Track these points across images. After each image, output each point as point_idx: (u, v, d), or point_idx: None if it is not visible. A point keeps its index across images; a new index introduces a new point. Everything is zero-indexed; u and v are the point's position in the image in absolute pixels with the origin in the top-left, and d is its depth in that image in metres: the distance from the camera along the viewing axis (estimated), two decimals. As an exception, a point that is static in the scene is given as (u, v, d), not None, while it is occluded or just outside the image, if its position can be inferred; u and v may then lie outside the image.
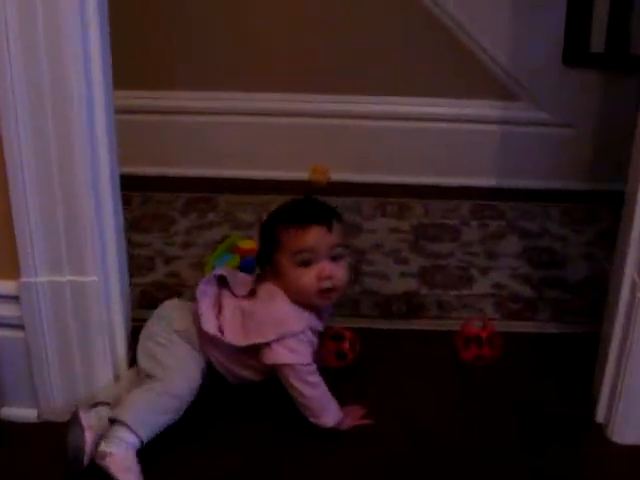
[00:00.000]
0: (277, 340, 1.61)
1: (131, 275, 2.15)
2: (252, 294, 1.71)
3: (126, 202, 2.53)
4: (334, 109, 2.67)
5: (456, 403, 1.82)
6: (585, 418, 1.77)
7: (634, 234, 1.57)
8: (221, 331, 1.67)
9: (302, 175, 2.66)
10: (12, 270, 1.63)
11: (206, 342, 1.68)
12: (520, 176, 2.69)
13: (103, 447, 1.54)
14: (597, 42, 2.52)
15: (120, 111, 2.68)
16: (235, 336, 1.65)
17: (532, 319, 2.07)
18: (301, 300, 1.65)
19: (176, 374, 1.64)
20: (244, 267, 2.05)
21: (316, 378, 1.64)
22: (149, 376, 1.64)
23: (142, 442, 1.57)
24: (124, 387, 1.68)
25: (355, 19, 2.58)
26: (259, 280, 1.74)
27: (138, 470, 1.54)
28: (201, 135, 2.75)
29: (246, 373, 1.71)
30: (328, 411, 1.65)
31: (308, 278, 1.62)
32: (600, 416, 1.74)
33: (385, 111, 2.68)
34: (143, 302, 2.12)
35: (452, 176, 2.70)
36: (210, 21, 2.61)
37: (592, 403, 1.77)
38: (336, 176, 2.68)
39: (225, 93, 2.72)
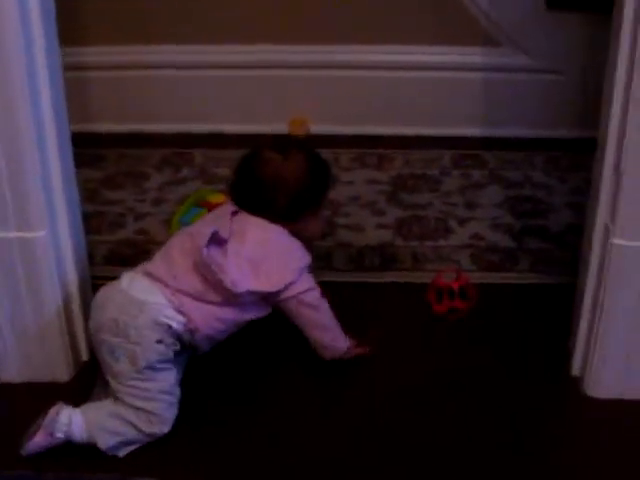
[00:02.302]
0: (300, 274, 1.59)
1: (100, 232, 2.10)
2: (236, 235, 1.60)
3: (100, 159, 2.51)
4: (312, 59, 2.60)
5: (430, 356, 1.77)
6: (561, 371, 1.70)
7: (605, 179, 1.50)
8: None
9: (281, 128, 2.57)
10: (-42, 228, 1.55)
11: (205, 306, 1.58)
12: (505, 125, 2.62)
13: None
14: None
15: (94, 67, 2.65)
16: (259, 283, 1.57)
17: (511, 270, 1.99)
18: (302, 241, 1.65)
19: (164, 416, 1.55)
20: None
21: (325, 301, 1.62)
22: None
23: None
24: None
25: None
26: (235, 217, 1.63)
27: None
28: (178, 90, 2.68)
29: (250, 316, 1.62)
30: (340, 334, 1.65)
31: (320, 225, 1.73)
32: (576, 369, 1.68)
33: (365, 60, 2.61)
34: (111, 260, 2.05)
35: (435, 126, 2.63)
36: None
37: (568, 356, 1.70)
38: (315, 128, 2.61)
39: (201, 46, 2.64)
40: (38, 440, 1.50)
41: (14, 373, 1.68)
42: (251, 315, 1.61)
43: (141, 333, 1.50)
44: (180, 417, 1.57)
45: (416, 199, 2.30)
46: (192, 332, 1.55)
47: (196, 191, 2.28)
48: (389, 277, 1.99)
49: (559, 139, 2.57)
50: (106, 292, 1.58)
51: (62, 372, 1.69)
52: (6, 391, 1.69)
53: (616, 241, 1.50)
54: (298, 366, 1.74)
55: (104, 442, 1.51)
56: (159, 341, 1.51)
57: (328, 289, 1.69)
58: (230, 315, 1.58)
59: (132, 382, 1.51)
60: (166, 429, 1.54)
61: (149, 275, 1.56)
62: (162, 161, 2.52)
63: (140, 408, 1.52)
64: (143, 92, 2.67)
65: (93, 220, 2.21)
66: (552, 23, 2.51)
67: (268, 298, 1.60)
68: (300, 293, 1.59)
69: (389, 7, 2.52)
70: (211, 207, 2.11)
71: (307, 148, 1.71)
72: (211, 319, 1.56)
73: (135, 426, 1.52)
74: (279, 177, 1.62)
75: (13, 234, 1.56)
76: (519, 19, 2.53)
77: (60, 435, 1.50)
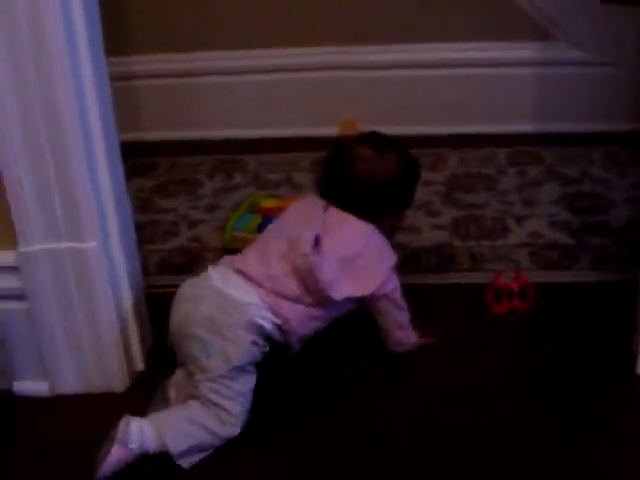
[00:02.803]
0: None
1: (153, 241, 2.10)
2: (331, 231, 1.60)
3: (152, 168, 2.51)
4: (361, 60, 2.58)
5: (489, 356, 1.73)
6: (625, 370, 1.65)
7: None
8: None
9: (330, 131, 2.55)
10: (10, 240, 1.56)
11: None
12: (560, 119, 2.57)
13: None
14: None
15: (143, 76, 2.66)
16: (355, 288, 1.59)
17: (570, 268, 1.95)
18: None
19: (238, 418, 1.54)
20: (263, 227, 1.97)
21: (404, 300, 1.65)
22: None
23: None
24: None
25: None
26: (327, 212, 1.64)
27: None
28: (226, 95, 2.67)
29: (342, 311, 1.64)
30: (412, 330, 1.69)
31: (402, 225, 1.77)
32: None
33: (416, 59, 2.58)
34: (164, 268, 2.05)
35: (489, 123, 2.59)
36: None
37: (633, 354, 1.64)
38: (366, 129, 2.57)
39: (249, 51, 2.63)
40: (115, 456, 1.46)
41: (70, 384, 1.68)
42: (343, 310, 1.62)
43: (236, 333, 1.51)
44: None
45: (472, 199, 2.26)
46: (286, 333, 1.56)
47: (249, 197, 2.26)
48: (447, 278, 1.96)
49: (615, 133, 2.51)
50: (196, 287, 1.58)
51: (117, 382, 1.69)
52: (62, 403, 1.68)
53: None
54: (358, 360, 1.74)
55: (176, 447, 1.48)
56: (253, 342, 1.52)
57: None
58: (323, 313, 1.59)
59: (219, 379, 1.50)
60: (237, 432, 1.52)
61: (242, 273, 1.56)
62: (214, 168, 2.52)
63: (218, 405, 1.50)
64: (192, 99, 2.67)
65: (146, 229, 2.21)
66: (603, 15, 2.45)
67: (362, 298, 1.60)
68: (391, 292, 1.62)
69: (439, 5, 2.48)
70: (263, 212, 2.10)
71: (400, 147, 1.69)
72: (305, 319, 1.57)
73: (208, 428, 1.50)
74: (375, 174, 1.63)
75: (64, 245, 1.55)
76: (570, 12, 2.47)
77: (134, 446, 1.47)
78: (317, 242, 1.55)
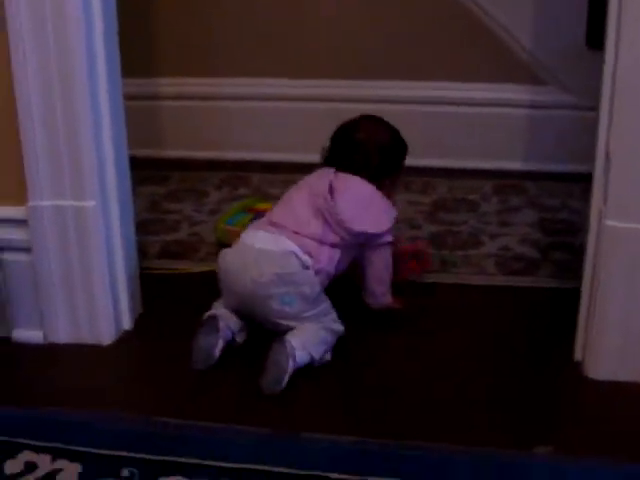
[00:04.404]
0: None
1: (157, 234, 2.30)
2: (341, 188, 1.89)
3: (166, 179, 2.72)
4: (360, 94, 2.75)
5: (441, 348, 1.89)
6: (565, 356, 1.80)
7: (598, 166, 1.62)
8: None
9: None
10: (21, 196, 1.76)
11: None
12: (547, 160, 2.73)
13: None
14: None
15: (165, 97, 2.88)
16: (369, 226, 1.87)
17: (532, 275, 2.11)
18: None
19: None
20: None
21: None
22: None
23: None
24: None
25: (383, 4, 2.68)
26: (336, 176, 1.91)
27: None
28: (240, 120, 2.87)
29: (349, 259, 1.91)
30: (390, 289, 1.94)
31: (396, 192, 2.05)
32: (578, 354, 1.77)
33: (413, 96, 2.77)
34: (162, 255, 2.24)
35: (479, 159, 2.76)
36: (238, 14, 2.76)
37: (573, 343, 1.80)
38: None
39: (263, 80, 2.85)
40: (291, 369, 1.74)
41: (61, 334, 1.86)
42: (349, 258, 1.89)
43: (301, 275, 1.78)
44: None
45: (453, 218, 2.44)
46: (318, 270, 1.81)
47: (245, 198, 2.45)
48: (418, 278, 2.12)
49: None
50: (243, 256, 1.82)
51: (104, 336, 1.87)
52: (54, 350, 1.86)
53: (607, 222, 1.61)
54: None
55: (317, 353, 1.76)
56: (315, 274, 1.80)
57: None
58: (342, 256, 1.86)
59: (308, 314, 1.79)
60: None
61: (276, 225, 1.84)
62: (221, 181, 2.72)
63: (323, 321, 1.80)
64: (210, 121, 2.88)
65: (152, 225, 2.40)
66: (593, 61, 2.63)
67: (369, 241, 1.88)
68: (389, 243, 1.90)
69: (435, 45, 2.69)
70: (257, 212, 2.28)
71: (393, 126, 1.99)
72: (329, 259, 1.84)
73: (330, 329, 1.80)
74: (374, 141, 1.94)
75: (68, 202, 1.77)
76: (561, 57, 2.66)
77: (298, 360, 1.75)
78: (331, 192, 1.85)
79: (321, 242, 1.83)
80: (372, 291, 1.92)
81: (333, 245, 1.84)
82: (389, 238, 1.89)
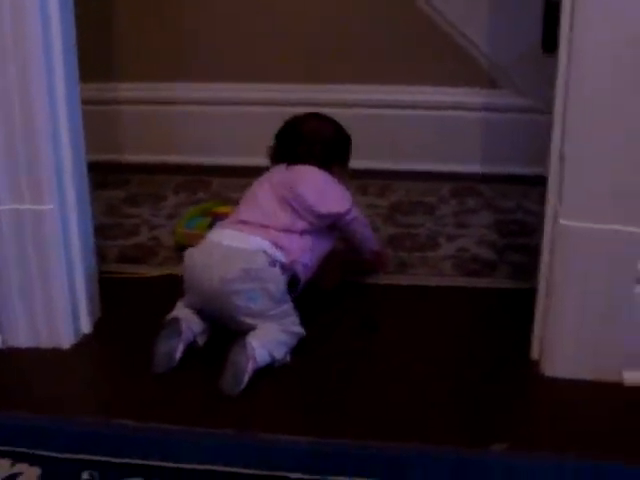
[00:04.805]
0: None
1: (116, 239, 2.30)
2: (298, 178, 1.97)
3: (125, 182, 2.71)
4: (316, 97, 2.73)
5: (399, 349, 1.91)
6: (522, 356, 1.83)
7: (553, 166, 1.65)
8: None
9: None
10: (-23, 201, 1.76)
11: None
12: (502, 162, 2.76)
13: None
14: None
15: (125, 102, 2.88)
16: (332, 207, 1.97)
17: (489, 277, 2.14)
18: None
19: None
20: (213, 225, 2.15)
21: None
22: None
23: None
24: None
25: (339, 8, 2.70)
26: (289, 169, 2.00)
27: None
28: (201, 124, 2.88)
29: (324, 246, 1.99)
30: (374, 237, 2.15)
31: (347, 178, 2.10)
32: (535, 352, 1.80)
33: (368, 99, 2.78)
34: (121, 259, 2.24)
35: (435, 162, 2.78)
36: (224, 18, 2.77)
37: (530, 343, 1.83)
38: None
39: (223, 84, 2.84)
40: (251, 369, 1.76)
41: (21, 338, 1.86)
42: (325, 245, 1.97)
43: (268, 272, 1.80)
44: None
45: (410, 220, 2.46)
46: (292, 263, 1.86)
47: (204, 202, 2.45)
48: (377, 279, 2.16)
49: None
50: (210, 253, 1.84)
51: (64, 340, 1.86)
52: (13, 355, 1.85)
53: (562, 221, 1.64)
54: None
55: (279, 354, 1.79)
56: (281, 273, 1.83)
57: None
58: (312, 243, 1.92)
59: (272, 312, 1.81)
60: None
61: (245, 223, 1.88)
62: (180, 186, 2.73)
63: (284, 323, 1.82)
64: (169, 126, 2.88)
65: (111, 230, 2.40)
66: (548, 65, 2.67)
67: (338, 222, 1.98)
68: (358, 216, 2.02)
69: (391, 48, 2.71)
70: (216, 215, 2.28)
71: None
72: (300, 249, 1.89)
73: (291, 331, 1.83)
74: (317, 132, 2.04)
75: (25, 206, 1.77)
76: (517, 62, 2.70)
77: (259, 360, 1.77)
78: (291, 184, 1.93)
79: (290, 231, 1.88)
80: (367, 248, 2.09)
81: (302, 232, 1.90)
82: (355, 213, 2.00)
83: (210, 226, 2.18)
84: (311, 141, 2.01)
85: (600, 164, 1.58)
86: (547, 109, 2.68)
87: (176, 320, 1.77)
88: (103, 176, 2.51)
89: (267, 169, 2.05)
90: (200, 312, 1.82)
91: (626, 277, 1.64)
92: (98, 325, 1.94)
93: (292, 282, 1.88)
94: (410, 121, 2.77)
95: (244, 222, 1.88)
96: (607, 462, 1.51)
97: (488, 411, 1.69)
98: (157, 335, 1.76)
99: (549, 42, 2.61)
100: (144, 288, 2.11)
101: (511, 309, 2.01)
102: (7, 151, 1.72)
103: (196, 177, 2.79)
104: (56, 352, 1.86)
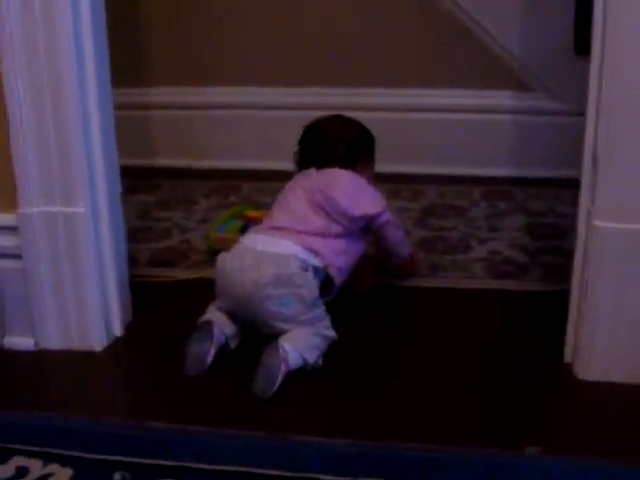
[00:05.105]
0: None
1: (147, 242, 2.31)
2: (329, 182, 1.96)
3: (156, 188, 2.72)
4: (347, 101, 2.73)
5: (432, 352, 1.90)
6: (555, 358, 1.81)
7: (586, 166, 1.64)
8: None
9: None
10: (11, 202, 1.77)
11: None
12: (534, 165, 2.75)
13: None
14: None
15: (157, 107, 2.89)
16: (366, 209, 1.96)
17: (520, 279, 2.12)
18: None
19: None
20: (246, 229, 2.15)
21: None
22: None
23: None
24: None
25: (370, 13, 2.70)
26: (319, 173, 1.98)
27: None
28: (230, 129, 2.89)
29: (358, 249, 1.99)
30: (407, 242, 2.14)
31: (373, 174, 2.08)
32: (568, 355, 1.78)
33: (399, 103, 2.79)
34: (153, 262, 2.25)
35: (467, 166, 2.78)
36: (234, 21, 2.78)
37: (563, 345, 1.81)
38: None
39: (255, 89, 2.85)
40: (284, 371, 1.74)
41: (53, 341, 1.86)
42: (358, 248, 1.97)
43: (300, 276, 1.78)
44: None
45: (442, 223, 2.45)
46: (326, 267, 1.86)
47: (235, 206, 2.46)
48: (408, 282, 2.15)
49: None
50: (243, 258, 1.82)
51: (96, 342, 1.87)
52: (46, 357, 1.86)
53: (596, 222, 1.62)
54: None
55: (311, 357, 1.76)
56: (314, 277, 1.81)
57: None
58: (346, 247, 1.92)
59: (304, 317, 1.79)
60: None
61: (278, 229, 1.87)
62: (212, 191, 2.73)
63: (316, 327, 1.80)
64: (200, 130, 2.89)
65: (142, 233, 2.42)
66: (580, 68, 2.65)
67: (372, 224, 1.97)
68: (391, 218, 2.00)
69: (423, 52, 2.72)
70: (247, 219, 2.29)
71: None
72: (335, 253, 1.88)
73: (323, 335, 1.80)
74: (340, 133, 2.02)
75: (58, 208, 1.78)
76: (549, 65, 2.69)
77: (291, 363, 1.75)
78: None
79: (324, 235, 1.87)
80: (398, 253, 2.08)
81: (337, 236, 1.89)
82: (388, 216, 1.98)
83: (241, 230, 2.18)
84: (334, 142, 2.00)
85: (633, 164, 1.56)
86: (579, 111, 2.70)
87: (208, 323, 1.77)
88: (134, 181, 2.52)
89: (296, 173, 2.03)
90: (232, 315, 1.81)
91: (661, 278, 1.62)
92: (130, 328, 1.93)
93: (326, 285, 1.85)
94: (441, 124, 2.77)
95: (277, 228, 1.88)
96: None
97: (521, 414, 1.66)
98: (189, 338, 1.76)
99: (581, 44, 2.61)
100: (175, 291, 2.11)
101: (543, 312, 1.98)
102: (40, 154, 1.73)
103: (227, 181, 2.79)
104: (88, 354, 1.86)
